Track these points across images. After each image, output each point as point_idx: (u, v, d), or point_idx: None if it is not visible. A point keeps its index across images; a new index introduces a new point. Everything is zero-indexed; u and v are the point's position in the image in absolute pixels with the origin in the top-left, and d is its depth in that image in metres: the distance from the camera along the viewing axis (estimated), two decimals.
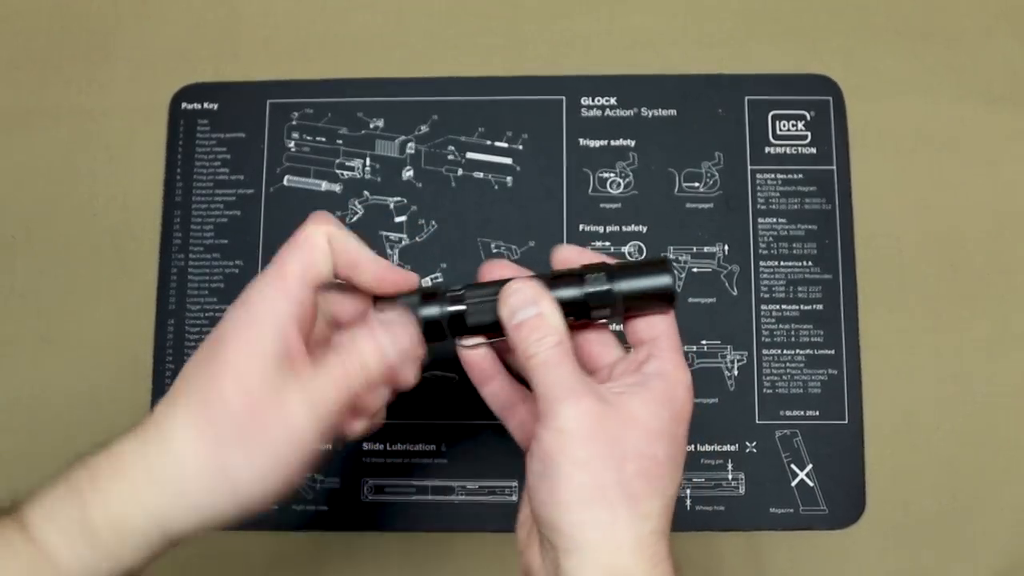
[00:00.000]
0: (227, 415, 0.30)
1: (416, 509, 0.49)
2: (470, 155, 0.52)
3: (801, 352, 0.50)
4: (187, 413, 0.31)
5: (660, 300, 0.34)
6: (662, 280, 0.34)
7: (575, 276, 0.34)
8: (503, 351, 0.36)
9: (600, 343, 0.36)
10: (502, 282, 0.34)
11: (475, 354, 0.35)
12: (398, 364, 0.33)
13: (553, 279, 0.34)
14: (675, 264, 0.51)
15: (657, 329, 0.34)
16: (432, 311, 0.35)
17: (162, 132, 0.53)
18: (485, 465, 0.49)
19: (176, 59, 0.54)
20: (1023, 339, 0.50)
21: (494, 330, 0.34)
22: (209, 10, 0.55)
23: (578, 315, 0.34)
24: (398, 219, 0.52)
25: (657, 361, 0.33)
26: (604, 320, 0.35)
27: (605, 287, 0.34)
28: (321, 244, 0.34)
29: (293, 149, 0.53)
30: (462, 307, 0.34)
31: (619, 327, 0.36)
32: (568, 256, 0.36)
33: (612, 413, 0.31)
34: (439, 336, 0.35)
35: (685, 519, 0.48)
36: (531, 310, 0.33)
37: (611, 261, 0.35)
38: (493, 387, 0.37)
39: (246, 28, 0.54)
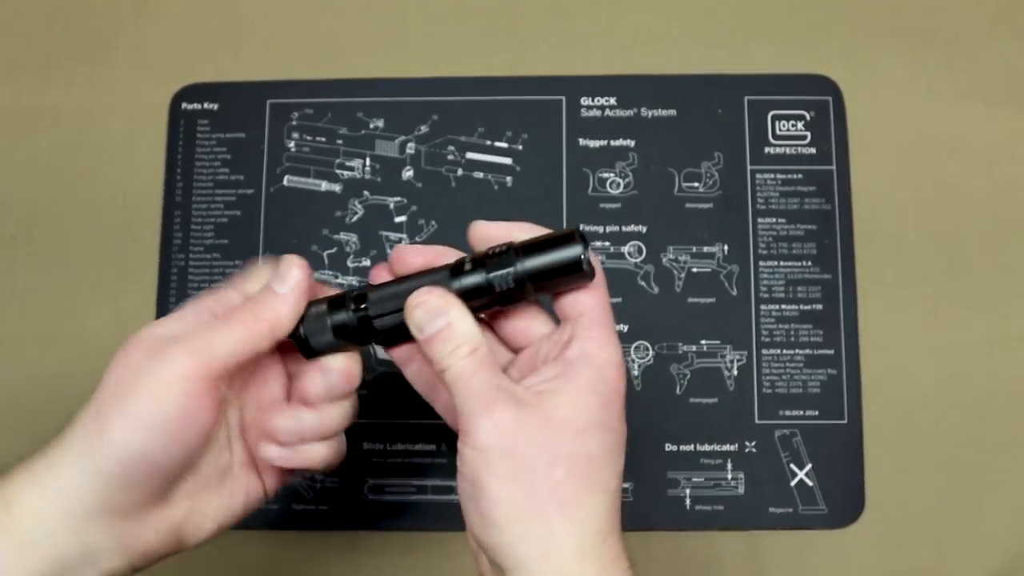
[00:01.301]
0: (107, 384, 0.31)
1: (416, 509, 0.49)
2: (470, 155, 0.52)
3: (800, 352, 0.50)
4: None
5: (575, 274, 0.31)
6: (570, 252, 0.31)
7: (480, 261, 0.32)
8: None
9: (528, 317, 0.34)
10: (409, 280, 0.33)
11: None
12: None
13: (454, 269, 0.32)
14: (675, 264, 0.51)
15: (581, 305, 0.32)
16: (340, 317, 0.33)
17: (162, 132, 0.53)
18: None
19: (176, 59, 0.54)
20: (1023, 339, 0.50)
21: (406, 336, 0.32)
22: (209, 10, 0.55)
23: (494, 302, 0.32)
24: (398, 219, 0.52)
25: (580, 342, 0.31)
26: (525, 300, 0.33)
27: (509, 270, 0.31)
28: None
29: (293, 149, 0.53)
30: (366, 313, 0.33)
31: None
32: (485, 233, 0.34)
33: (532, 418, 0.29)
34: (357, 340, 0.34)
35: (685, 518, 0.49)
36: (439, 321, 0.31)
37: (525, 236, 0.33)
38: (413, 368, 0.35)
39: (246, 28, 0.54)
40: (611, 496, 0.30)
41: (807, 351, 0.50)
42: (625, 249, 0.51)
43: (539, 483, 0.29)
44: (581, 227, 0.49)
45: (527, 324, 0.34)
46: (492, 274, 0.32)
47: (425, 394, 0.36)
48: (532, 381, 0.31)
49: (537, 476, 0.29)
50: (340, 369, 0.33)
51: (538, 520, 0.28)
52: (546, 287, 0.32)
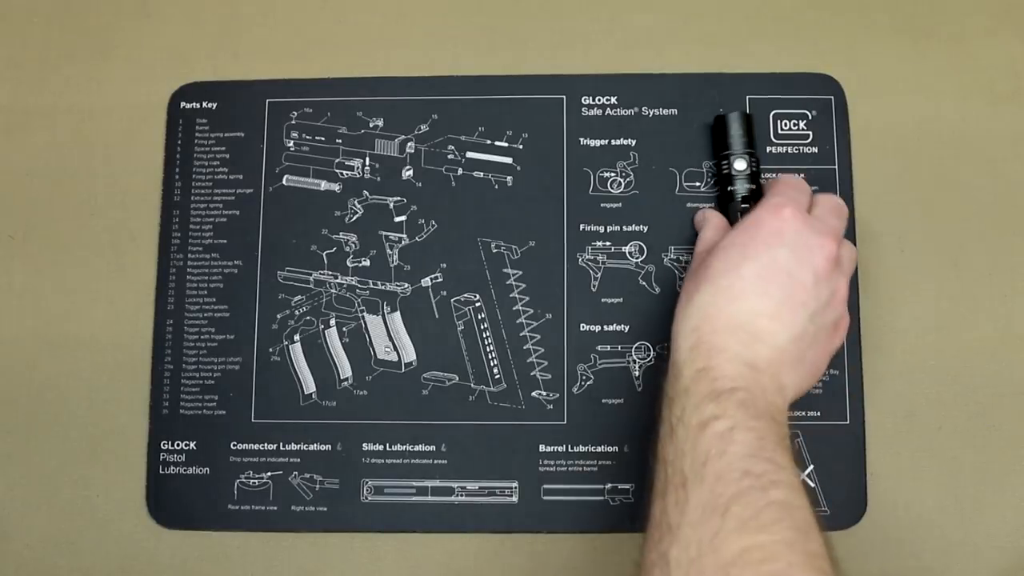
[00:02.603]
0: None
1: (416, 509, 0.49)
2: (470, 154, 0.52)
3: None
4: None
5: None
6: None
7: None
8: None
9: None
10: None
11: None
12: None
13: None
14: (676, 264, 0.51)
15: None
16: None
17: (161, 131, 0.53)
18: (485, 465, 0.49)
19: (175, 58, 0.54)
20: None
21: None
22: (208, 9, 0.54)
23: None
24: (398, 219, 0.52)
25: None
26: None
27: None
28: None
29: (292, 148, 0.52)
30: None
31: None
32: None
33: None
34: None
35: None
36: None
37: None
38: None
39: (245, 27, 0.54)
40: (733, 284, 0.40)
41: None
42: (626, 249, 0.51)
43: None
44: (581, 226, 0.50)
45: None
46: None
47: None
48: None
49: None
50: None
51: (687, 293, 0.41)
52: None
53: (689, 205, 0.51)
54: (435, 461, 0.49)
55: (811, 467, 0.49)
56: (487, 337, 0.50)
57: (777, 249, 0.41)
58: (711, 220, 0.48)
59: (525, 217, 0.51)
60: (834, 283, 0.42)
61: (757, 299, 0.40)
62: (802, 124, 0.52)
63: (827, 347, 0.43)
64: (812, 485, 0.49)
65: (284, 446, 0.50)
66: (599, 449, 0.49)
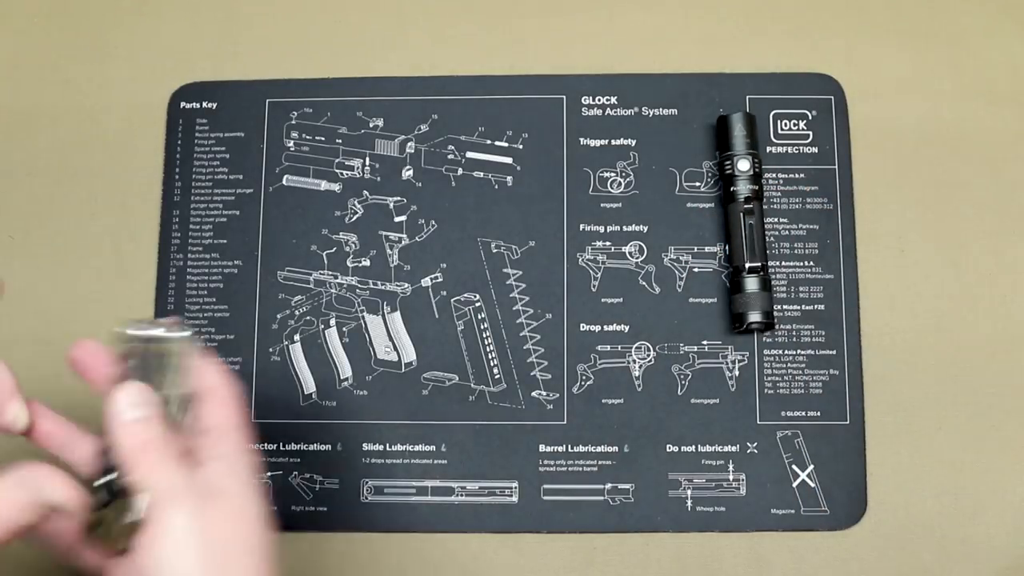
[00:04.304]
0: None
1: (416, 509, 0.49)
2: (470, 154, 0.52)
3: (802, 352, 0.50)
4: None
5: None
6: None
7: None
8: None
9: None
10: None
11: None
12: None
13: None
14: (676, 264, 0.51)
15: None
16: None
17: (161, 131, 0.53)
18: (485, 465, 0.49)
19: (175, 58, 0.54)
20: None
21: None
22: (208, 9, 0.54)
23: None
24: (398, 219, 0.51)
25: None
26: None
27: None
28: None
29: (292, 148, 0.52)
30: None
31: None
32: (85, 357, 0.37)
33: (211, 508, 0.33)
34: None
35: (686, 520, 0.48)
36: None
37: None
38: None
39: (245, 27, 0.54)
40: None
41: (809, 351, 0.50)
42: (626, 249, 0.51)
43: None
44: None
45: None
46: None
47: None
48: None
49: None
50: None
51: None
52: None
53: (689, 205, 0.51)
54: (435, 461, 0.49)
55: (811, 467, 0.49)
56: (487, 337, 0.50)
57: None
58: None
59: (525, 217, 0.51)
60: None
61: None
62: (802, 124, 0.52)
63: None
64: (812, 485, 0.49)
65: (284, 446, 0.50)
66: (599, 449, 0.49)
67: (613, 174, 0.52)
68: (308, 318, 0.51)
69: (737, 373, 0.49)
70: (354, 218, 0.52)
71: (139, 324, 0.37)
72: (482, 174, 0.52)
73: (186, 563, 0.31)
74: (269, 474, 0.49)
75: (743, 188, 0.49)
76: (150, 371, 0.36)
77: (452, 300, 0.51)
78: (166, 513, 0.32)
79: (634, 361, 0.50)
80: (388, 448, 0.50)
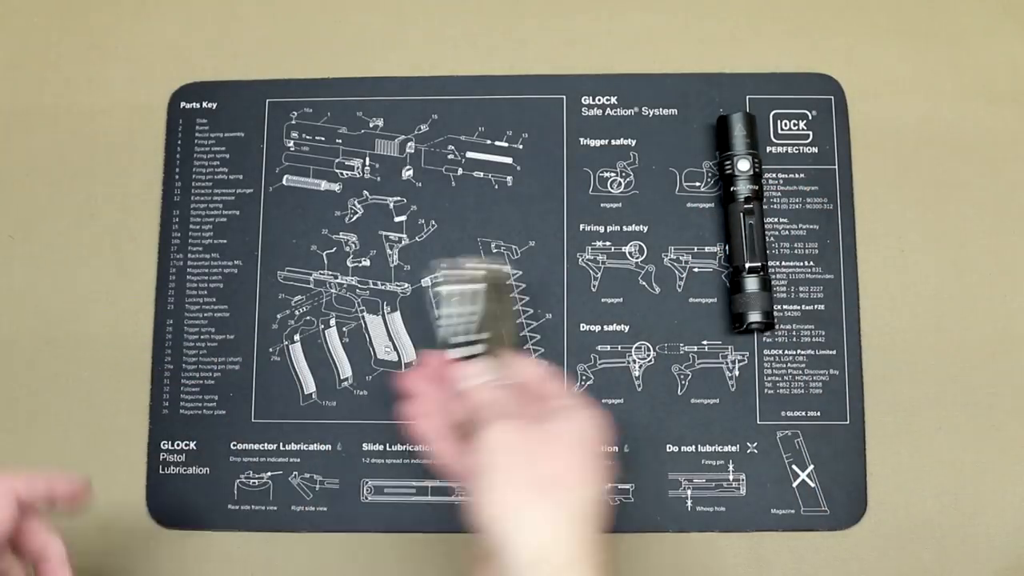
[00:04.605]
0: None
1: (416, 509, 0.49)
2: (470, 154, 0.52)
3: (802, 352, 0.50)
4: None
5: None
6: None
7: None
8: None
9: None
10: None
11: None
12: None
13: None
14: (676, 264, 0.51)
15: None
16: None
17: (161, 131, 0.53)
18: None
19: (175, 58, 0.54)
20: None
21: None
22: (208, 9, 0.54)
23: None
24: (398, 219, 0.51)
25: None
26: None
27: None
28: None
29: (292, 148, 0.52)
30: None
31: None
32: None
33: (530, 431, 0.37)
34: None
35: (686, 520, 0.48)
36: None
37: None
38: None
39: (245, 27, 0.54)
40: (595, 500, 0.36)
41: (809, 351, 0.50)
42: (626, 249, 0.51)
43: (529, 474, 0.36)
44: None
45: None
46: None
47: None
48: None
49: (529, 469, 0.36)
50: None
51: (526, 501, 0.35)
52: None
53: (689, 205, 0.51)
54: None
55: (811, 467, 0.49)
56: None
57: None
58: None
59: (525, 217, 0.51)
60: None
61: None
62: (802, 124, 0.52)
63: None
64: (812, 485, 0.49)
65: (284, 446, 0.50)
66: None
67: (613, 174, 0.52)
68: (308, 318, 0.51)
69: (737, 373, 0.49)
70: (354, 218, 0.52)
71: (461, 263, 0.44)
72: (482, 174, 0.52)
73: (504, 464, 0.36)
74: (269, 474, 0.49)
75: (743, 188, 0.49)
76: (472, 303, 0.42)
77: None
78: (496, 430, 0.37)
79: (634, 361, 0.50)
80: (388, 448, 0.50)
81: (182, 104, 0.53)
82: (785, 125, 0.52)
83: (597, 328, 0.50)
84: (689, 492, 0.49)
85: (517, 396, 0.41)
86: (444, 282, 0.43)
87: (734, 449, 0.49)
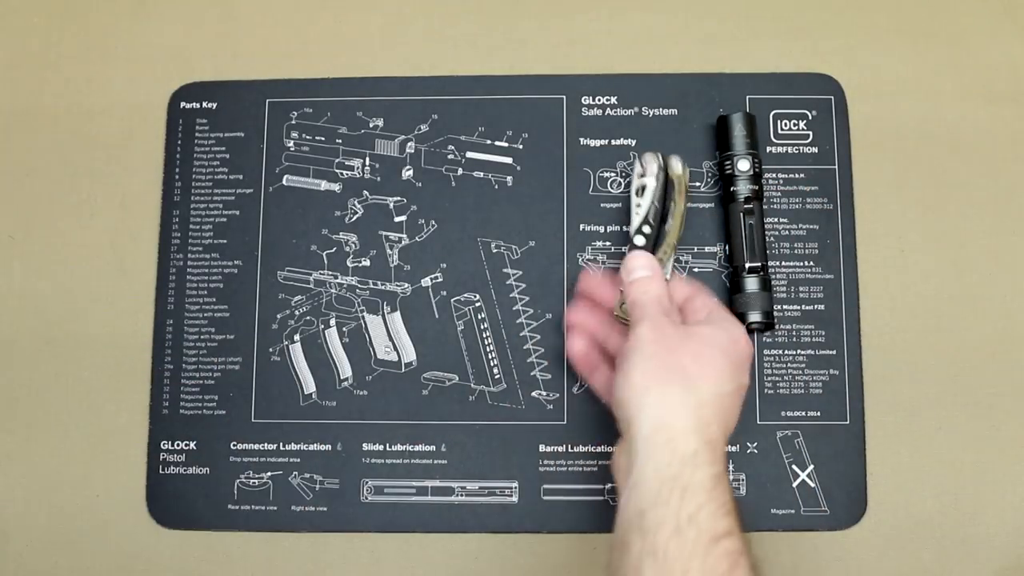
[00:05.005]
0: None
1: (416, 510, 0.49)
2: (470, 154, 0.52)
3: (802, 352, 0.50)
4: None
5: None
6: None
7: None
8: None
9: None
10: None
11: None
12: None
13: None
14: (676, 264, 0.51)
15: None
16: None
17: (161, 131, 0.53)
18: (485, 465, 0.49)
19: (175, 58, 0.54)
20: None
21: None
22: (208, 9, 0.54)
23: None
24: (398, 219, 0.51)
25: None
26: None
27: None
28: None
29: (292, 148, 0.52)
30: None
31: None
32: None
33: (677, 328, 0.41)
34: None
35: None
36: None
37: None
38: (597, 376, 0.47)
39: (245, 27, 0.54)
40: (721, 392, 0.39)
41: (809, 351, 0.50)
42: (626, 249, 0.51)
43: (670, 359, 0.39)
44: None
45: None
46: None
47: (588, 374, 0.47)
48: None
49: (670, 356, 0.40)
50: None
51: (662, 381, 0.39)
52: None
53: (689, 205, 0.51)
54: (435, 461, 0.49)
55: (811, 467, 0.49)
56: (487, 337, 0.50)
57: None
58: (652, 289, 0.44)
59: (525, 217, 0.51)
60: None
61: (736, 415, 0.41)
62: (802, 124, 0.52)
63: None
64: (812, 485, 0.49)
65: (284, 446, 0.50)
66: (599, 449, 0.49)
67: (613, 174, 0.52)
68: (308, 318, 0.51)
69: None
70: (354, 218, 0.52)
71: (651, 156, 0.47)
72: (482, 174, 0.52)
73: (643, 360, 0.40)
74: (269, 474, 0.49)
75: (743, 188, 0.49)
76: (657, 194, 0.46)
77: (452, 300, 0.51)
78: (646, 326, 0.41)
79: None
80: (388, 448, 0.50)
81: (182, 104, 0.53)
82: (785, 125, 0.52)
83: None
84: None
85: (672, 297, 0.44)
86: (631, 172, 0.48)
87: (734, 449, 0.49)
